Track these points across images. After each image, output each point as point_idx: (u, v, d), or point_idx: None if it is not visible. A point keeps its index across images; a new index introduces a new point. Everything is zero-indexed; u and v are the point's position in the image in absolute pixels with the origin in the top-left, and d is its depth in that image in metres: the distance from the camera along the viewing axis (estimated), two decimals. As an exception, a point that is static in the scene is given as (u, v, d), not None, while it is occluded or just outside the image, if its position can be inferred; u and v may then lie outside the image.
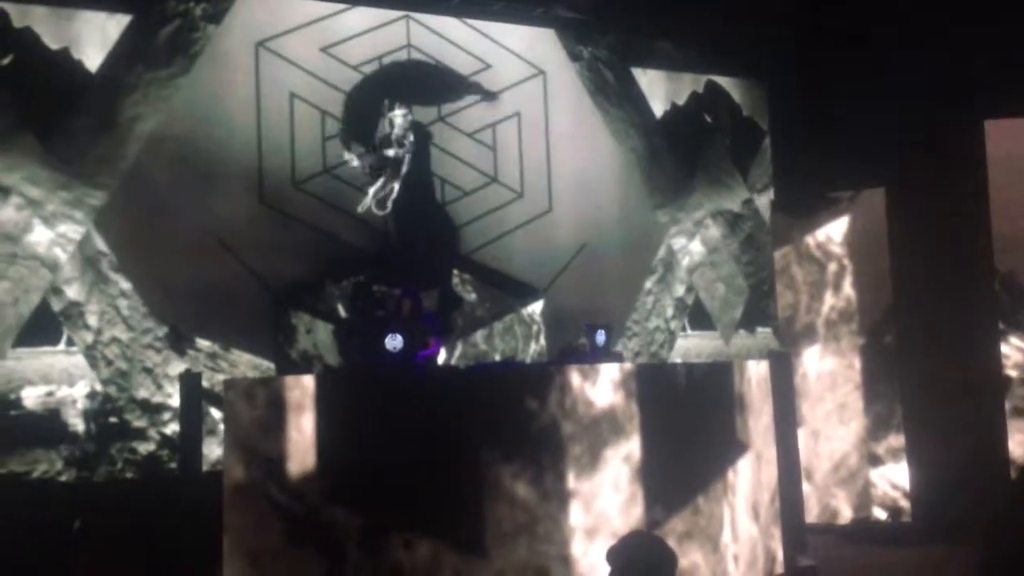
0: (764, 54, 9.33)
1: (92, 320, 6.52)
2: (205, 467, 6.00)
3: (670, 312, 8.86)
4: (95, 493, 6.30)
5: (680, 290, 8.93)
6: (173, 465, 6.41)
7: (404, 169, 7.61)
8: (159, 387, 6.66)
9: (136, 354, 6.63)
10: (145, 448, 6.58)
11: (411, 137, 7.63)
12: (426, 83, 7.89)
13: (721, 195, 9.19)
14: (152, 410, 6.65)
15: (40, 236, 6.41)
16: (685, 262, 8.97)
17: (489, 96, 8.04)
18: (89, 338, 6.50)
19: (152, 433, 6.62)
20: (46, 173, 6.43)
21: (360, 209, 7.49)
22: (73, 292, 6.49)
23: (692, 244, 9.02)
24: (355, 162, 7.50)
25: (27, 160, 6.39)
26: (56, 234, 6.46)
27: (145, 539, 5.82)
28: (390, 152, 7.56)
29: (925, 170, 8.02)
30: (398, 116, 7.61)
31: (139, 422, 6.61)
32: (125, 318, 6.61)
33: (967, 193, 7.88)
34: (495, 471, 5.22)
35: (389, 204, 7.55)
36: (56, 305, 6.44)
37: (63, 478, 6.31)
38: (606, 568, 3.12)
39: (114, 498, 6.24)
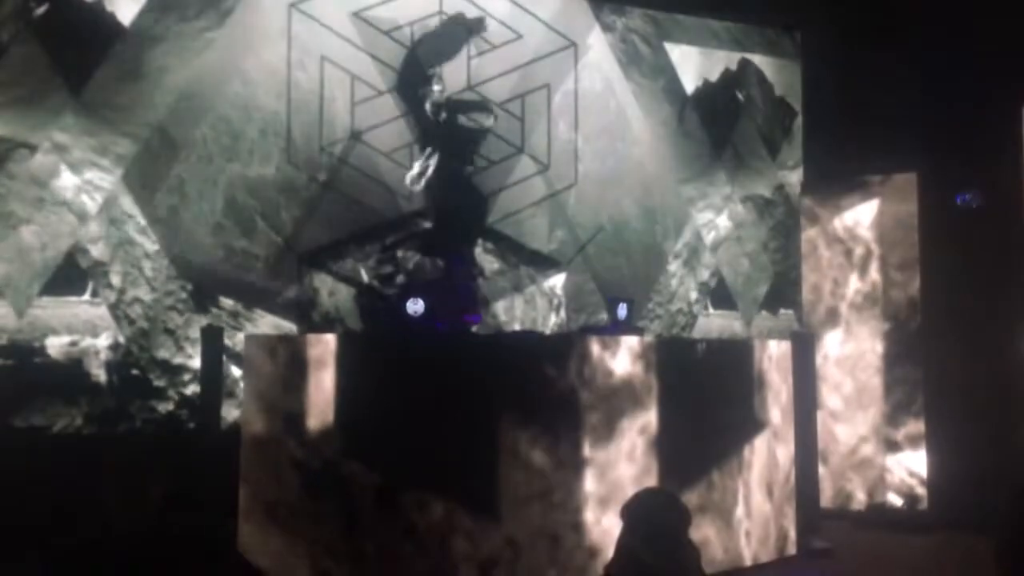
0: (798, 34, 9.22)
1: (115, 280, 6.58)
2: (222, 427, 6.06)
3: (694, 296, 8.81)
4: (115, 445, 6.35)
5: (705, 274, 8.87)
6: (192, 425, 6.44)
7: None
8: (180, 348, 6.71)
9: (158, 315, 6.68)
10: (164, 408, 6.63)
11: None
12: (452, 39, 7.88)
13: (751, 179, 9.09)
14: (172, 371, 6.69)
15: (67, 182, 6.45)
16: (711, 237, 8.89)
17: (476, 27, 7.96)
18: (112, 297, 6.55)
19: (171, 393, 6.67)
20: (72, 119, 6.46)
21: (407, 182, 7.53)
22: (98, 251, 6.54)
23: (719, 219, 8.94)
24: (435, 92, 7.58)
25: (56, 107, 6.42)
26: (83, 180, 6.50)
27: (162, 489, 5.90)
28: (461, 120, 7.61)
29: (959, 157, 7.91)
30: (435, 91, 7.66)
31: (159, 382, 6.65)
32: (149, 279, 6.66)
33: (1002, 182, 7.77)
34: (512, 436, 5.22)
35: (423, 182, 7.56)
36: (82, 263, 6.48)
37: (84, 431, 6.35)
38: (619, 524, 3.12)
39: (133, 452, 6.30)
